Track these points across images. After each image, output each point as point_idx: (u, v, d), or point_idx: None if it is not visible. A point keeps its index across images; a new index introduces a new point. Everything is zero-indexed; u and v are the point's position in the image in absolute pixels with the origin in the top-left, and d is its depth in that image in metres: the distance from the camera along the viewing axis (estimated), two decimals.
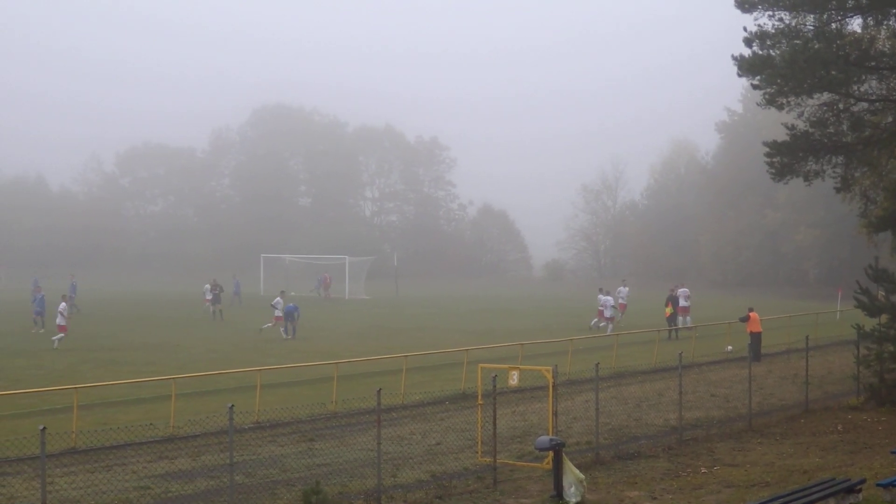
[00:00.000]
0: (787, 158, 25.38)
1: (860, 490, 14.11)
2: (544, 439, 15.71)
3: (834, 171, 26.15)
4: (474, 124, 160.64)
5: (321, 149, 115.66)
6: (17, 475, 16.30)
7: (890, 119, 25.60)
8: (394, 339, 38.95)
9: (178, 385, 21.26)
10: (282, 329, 40.11)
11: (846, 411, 23.65)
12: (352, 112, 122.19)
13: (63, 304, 37.04)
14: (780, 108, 25.02)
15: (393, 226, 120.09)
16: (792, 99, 24.69)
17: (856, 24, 25.32)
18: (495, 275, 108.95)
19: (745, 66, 24.25)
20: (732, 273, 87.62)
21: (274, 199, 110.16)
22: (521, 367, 19.92)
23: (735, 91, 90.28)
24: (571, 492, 15.09)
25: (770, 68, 23.64)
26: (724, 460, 18.34)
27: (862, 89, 25.51)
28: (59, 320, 36.41)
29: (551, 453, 15.60)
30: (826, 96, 25.64)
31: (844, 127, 25.35)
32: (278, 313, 39.95)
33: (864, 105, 25.84)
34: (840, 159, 25.75)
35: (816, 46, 22.87)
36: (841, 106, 25.46)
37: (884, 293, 24.78)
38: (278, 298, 41.15)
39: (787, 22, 24.24)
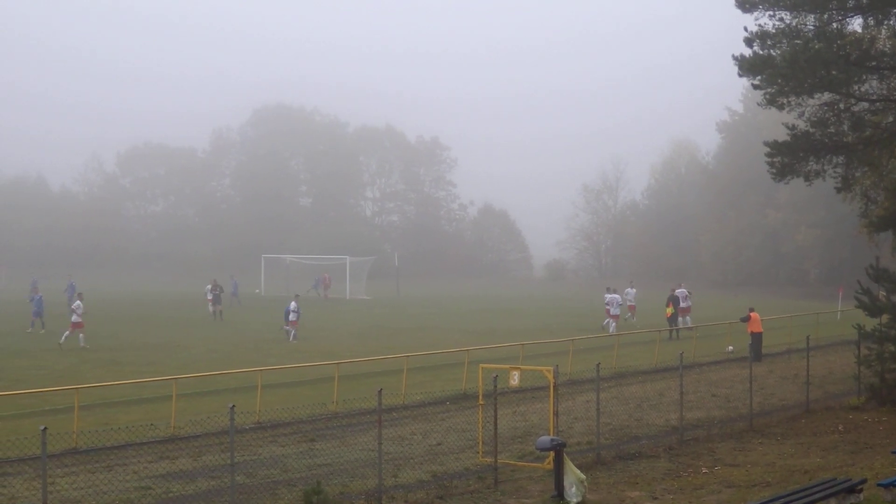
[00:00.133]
0: (788, 158, 25.39)
1: (861, 490, 14.11)
2: (545, 439, 15.71)
3: (835, 171, 26.16)
4: (475, 124, 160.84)
5: (322, 149, 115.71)
6: (18, 475, 16.30)
7: (890, 119, 25.60)
8: (395, 340, 38.95)
9: (179, 385, 21.26)
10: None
11: (847, 411, 23.64)
12: (352, 112, 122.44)
13: (78, 302, 36.98)
14: (781, 107, 25.02)
15: (394, 226, 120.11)
16: (793, 99, 24.70)
17: (856, 24, 25.35)
18: (496, 275, 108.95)
19: (746, 66, 24.25)
20: (733, 273, 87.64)
21: (274, 199, 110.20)
22: (521, 367, 19.92)
23: (736, 91, 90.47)
24: (572, 492, 15.09)
25: (771, 68, 23.64)
26: (725, 460, 18.34)
27: (862, 89, 25.51)
28: (74, 318, 36.38)
29: (552, 453, 15.60)
30: (827, 96, 25.64)
31: (845, 127, 25.36)
32: (293, 317, 39.95)
33: (865, 105, 25.85)
34: (841, 159, 25.75)
35: (817, 46, 22.86)
36: (842, 106, 25.46)
37: (885, 293, 24.76)
38: (294, 303, 41.13)
39: (788, 22, 24.25)
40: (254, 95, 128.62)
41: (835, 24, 24.56)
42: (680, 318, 43.21)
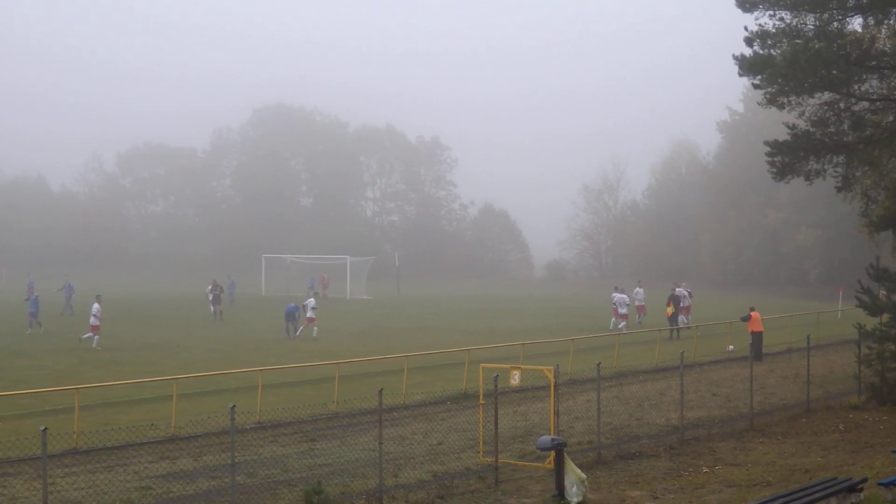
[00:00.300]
0: (789, 158, 25.39)
1: (861, 489, 14.11)
2: (546, 439, 15.70)
3: (835, 171, 26.16)
4: (475, 124, 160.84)
5: (322, 149, 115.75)
6: (19, 476, 16.30)
7: (891, 118, 25.60)
8: (395, 339, 38.96)
9: (179, 385, 21.27)
10: (303, 327, 40.24)
11: (847, 410, 23.64)
12: (352, 112, 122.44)
13: (96, 304, 36.96)
14: (781, 107, 25.02)
15: (394, 226, 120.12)
16: (793, 98, 24.70)
17: (856, 24, 25.38)
18: (496, 275, 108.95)
19: (746, 66, 24.25)
20: (733, 273, 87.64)
21: (275, 199, 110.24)
22: (522, 366, 19.92)
23: (736, 90, 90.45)
24: (573, 491, 15.09)
25: (771, 68, 23.64)
26: (725, 460, 18.34)
27: (863, 88, 25.52)
28: (93, 321, 36.38)
29: (553, 453, 15.59)
30: (827, 95, 25.64)
31: (845, 126, 25.37)
32: (311, 314, 40.01)
33: (865, 104, 25.86)
34: (841, 158, 25.76)
35: (817, 46, 22.86)
36: (842, 105, 25.47)
37: (885, 292, 24.77)
38: (311, 299, 41.13)
39: (788, 21, 24.26)
40: (254, 95, 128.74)
41: (835, 24, 24.57)
42: (680, 318, 43.23)
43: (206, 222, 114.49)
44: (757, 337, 32.99)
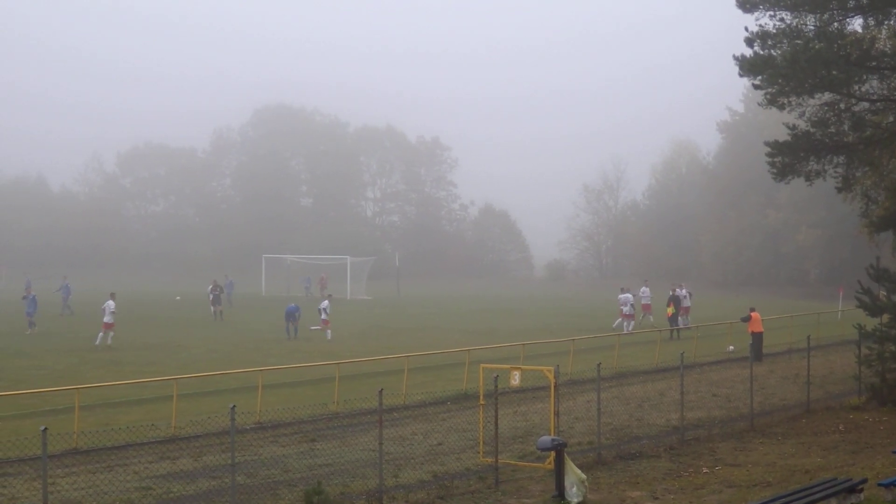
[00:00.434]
0: (789, 158, 25.39)
1: (862, 490, 14.11)
2: (546, 439, 15.70)
3: (835, 171, 26.17)
4: (475, 124, 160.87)
5: (322, 149, 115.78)
6: (19, 476, 16.31)
7: (891, 119, 25.61)
8: (395, 340, 38.96)
9: (179, 385, 21.27)
10: (316, 328, 40.25)
11: (848, 411, 23.64)
12: (353, 112, 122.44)
13: (110, 301, 36.97)
14: (782, 107, 25.03)
15: (394, 226, 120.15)
16: (793, 99, 24.70)
17: (857, 24, 25.37)
18: (497, 275, 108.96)
19: (747, 66, 24.25)
20: (734, 273, 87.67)
21: (275, 199, 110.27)
22: (522, 367, 19.91)
23: (736, 91, 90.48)
24: (573, 492, 15.09)
25: (771, 68, 23.63)
26: (725, 460, 18.34)
27: (863, 89, 25.52)
28: (108, 318, 36.41)
29: (553, 453, 15.59)
30: (827, 96, 25.64)
31: (846, 127, 25.37)
32: (325, 317, 39.99)
33: (866, 105, 25.86)
34: (841, 159, 25.77)
35: (817, 46, 22.86)
36: (842, 106, 25.47)
37: (885, 293, 24.76)
38: (326, 301, 41.09)
39: (789, 22, 24.26)
40: (254, 95, 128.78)
41: (835, 24, 24.57)
42: (680, 318, 43.24)
43: (206, 222, 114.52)
44: (757, 337, 32.99)
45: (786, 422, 22.45)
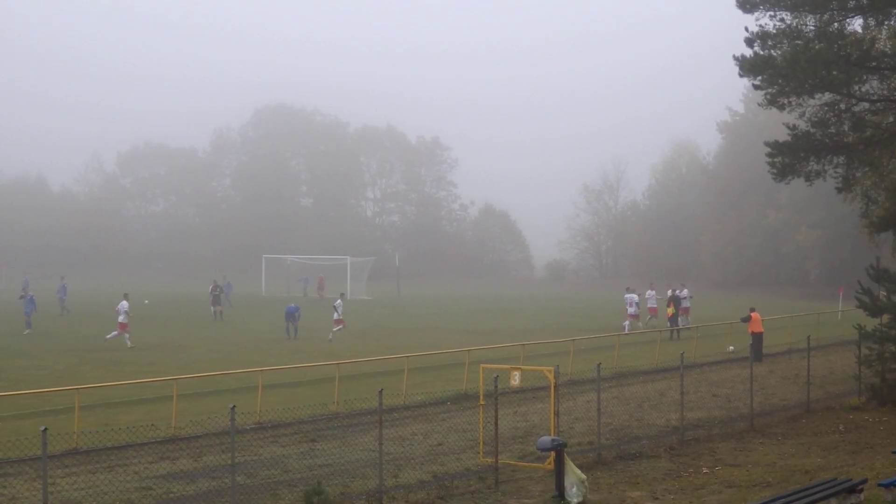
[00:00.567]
0: (789, 158, 25.39)
1: (862, 490, 14.11)
2: (546, 439, 15.70)
3: (835, 172, 26.17)
4: (475, 124, 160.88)
5: (322, 149, 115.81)
6: (19, 476, 16.30)
7: (891, 119, 25.61)
8: (395, 340, 38.96)
9: (179, 385, 21.27)
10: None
11: (848, 411, 23.64)
12: (353, 112, 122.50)
13: (124, 302, 37.00)
14: (782, 108, 25.03)
15: (394, 226, 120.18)
16: (793, 99, 24.70)
17: (857, 25, 25.37)
18: (497, 275, 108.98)
19: (747, 67, 24.25)
20: (734, 273, 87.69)
21: (275, 199, 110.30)
22: (522, 367, 19.91)
23: (736, 91, 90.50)
24: (573, 492, 15.09)
25: (771, 68, 23.64)
26: (725, 460, 18.34)
27: (863, 89, 25.52)
28: (122, 318, 36.44)
29: (553, 453, 15.59)
30: (827, 96, 25.64)
31: (846, 127, 25.37)
32: (338, 316, 39.93)
33: (866, 105, 25.86)
34: (841, 159, 25.77)
35: (818, 47, 22.87)
36: (842, 106, 25.47)
37: (885, 293, 24.76)
38: (339, 301, 41.03)
39: (789, 22, 24.26)
40: (254, 95, 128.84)
41: (835, 25, 24.57)
42: (680, 318, 43.25)
43: (206, 222, 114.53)
44: (757, 337, 32.98)
45: (786, 422, 22.45)
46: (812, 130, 25.24)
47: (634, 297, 43.86)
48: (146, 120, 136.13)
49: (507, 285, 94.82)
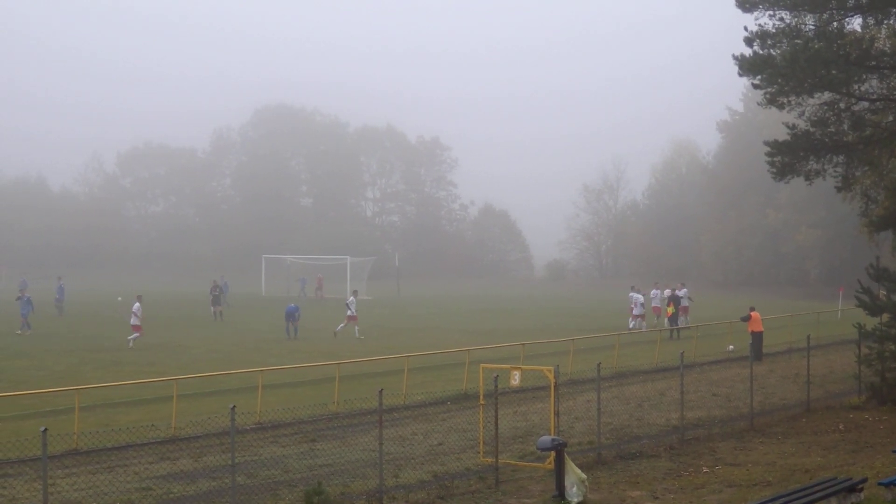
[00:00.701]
0: (788, 158, 25.39)
1: (862, 489, 14.11)
2: (546, 439, 15.70)
3: (835, 171, 26.17)
4: (475, 124, 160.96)
5: (322, 149, 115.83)
6: (19, 476, 16.30)
7: (891, 118, 25.61)
8: (395, 340, 38.96)
9: (179, 386, 21.27)
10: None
11: (848, 410, 23.64)
12: (353, 112, 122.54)
13: (137, 304, 37.02)
14: (781, 107, 25.02)
15: (394, 226, 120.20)
16: (793, 98, 24.70)
17: (856, 24, 25.38)
18: (496, 275, 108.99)
19: (746, 66, 24.25)
20: (734, 273, 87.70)
21: (275, 199, 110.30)
22: (522, 367, 19.92)
23: (736, 90, 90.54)
24: (573, 492, 15.09)
25: (771, 68, 23.64)
26: (725, 460, 18.34)
27: (863, 88, 25.52)
28: (134, 320, 36.49)
29: (553, 453, 15.59)
30: (827, 95, 25.64)
31: (845, 126, 25.37)
32: (351, 313, 39.85)
33: (865, 104, 25.86)
34: (841, 158, 25.77)
35: (817, 46, 22.87)
36: (842, 105, 25.47)
37: (885, 292, 24.77)
38: (352, 298, 40.91)
39: (788, 21, 24.26)
40: (254, 95, 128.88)
41: (835, 24, 24.57)
42: (681, 318, 43.26)
43: (206, 222, 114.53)
44: (757, 337, 32.99)
45: (786, 421, 22.45)
46: (811, 130, 25.24)
47: (640, 296, 43.85)
48: (146, 120, 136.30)
49: (507, 285, 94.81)
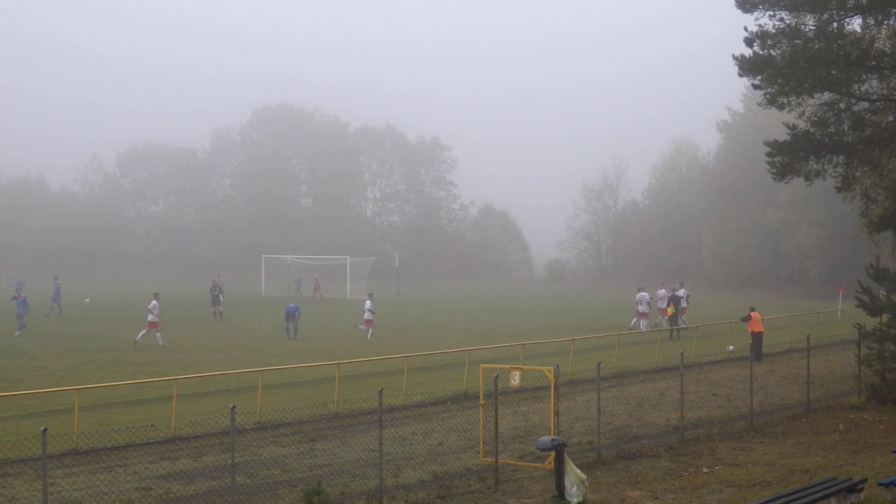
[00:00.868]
0: (789, 158, 25.40)
1: (861, 489, 14.12)
2: (546, 439, 15.71)
3: (835, 171, 26.18)
4: (475, 124, 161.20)
5: (322, 149, 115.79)
6: (19, 476, 16.31)
7: (890, 118, 25.62)
8: (395, 340, 38.95)
9: (179, 386, 21.27)
10: (359, 327, 40.15)
11: (847, 410, 23.65)
12: (353, 112, 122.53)
13: (154, 301, 37.05)
14: (781, 107, 25.04)
15: (394, 226, 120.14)
16: (793, 98, 24.71)
17: (856, 24, 25.40)
18: (497, 275, 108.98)
19: (746, 66, 24.26)
20: (734, 272, 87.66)
21: (275, 199, 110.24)
22: (522, 367, 19.93)
23: (736, 91, 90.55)
24: (573, 492, 15.09)
25: (771, 68, 23.65)
26: (725, 460, 18.34)
27: (862, 89, 25.53)
28: (151, 318, 36.54)
29: (553, 453, 15.59)
30: (827, 96, 25.65)
31: (845, 126, 25.38)
32: (368, 315, 39.77)
33: (865, 104, 25.87)
34: (841, 159, 25.78)
35: (817, 46, 22.87)
36: (842, 105, 25.48)
37: (885, 292, 24.77)
38: (368, 301, 40.78)
39: (788, 22, 24.29)
40: (254, 95, 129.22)
41: (834, 24, 24.59)
42: (680, 318, 43.26)
43: (206, 222, 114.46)
44: (757, 337, 33.00)
45: (785, 421, 22.45)
46: (811, 130, 25.25)
47: (646, 295, 43.85)
48: (146, 120, 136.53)
49: (507, 285, 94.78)
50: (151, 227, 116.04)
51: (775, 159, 25.49)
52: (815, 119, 25.37)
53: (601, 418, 18.65)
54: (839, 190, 27.24)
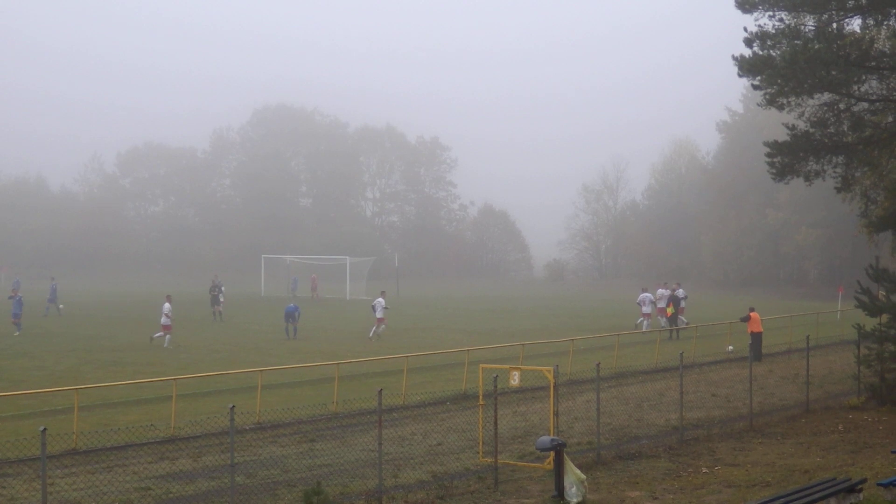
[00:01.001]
0: (788, 158, 25.40)
1: (861, 490, 14.11)
2: (545, 439, 15.70)
3: (834, 171, 26.18)
4: (475, 124, 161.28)
5: (322, 149, 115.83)
6: (18, 476, 16.31)
7: (890, 119, 25.63)
8: (395, 340, 38.93)
9: (179, 386, 21.26)
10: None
11: (847, 411, 23.65)
12: (353, 112, 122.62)
13: (167, 304, 37.03)
14: (781, 108, 25.04)
15: (394, 226, 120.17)
16: (792, 99, 24.71)
17: (856, 25, 25.40)
18: (496, 275, 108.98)
19: (746, 67, 24.26)
20: (734, 273, 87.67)
21: (275, 199, 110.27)
22: (522, 367, 19.92)
23: (736, 91, 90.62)
24: (573, 492, 15.09)
25: (770, 68, 23.65)
26: (725, 460, 18.34)
27: (862, 89, 25.53)
28: (164, 320, 36.52)
29: (552, 453, 15.59)
30: (826, 96, 25.66)
31: (845, 127, 25.38)
32: (379, 314, 39.65)
33: (865, 105, 25.87)
34: (841, 159, 25.77)
35: (817, 47, 22.87)
36: (841, 106, 25.48)
37: (884, 293, 24.76)
38: (380, 299, 40.61)
39: (788, 22, 24.28)
40: (254, 95, 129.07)
41: (834, 25, 24.59)
42: (680, 318, 43.27)
43: (206, 222, 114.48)
44: (756, 337, 32.99)
45: (785, 422, 22.45)
46: (811, 130, 25.25)
47: (649, 296, 43.91)
48: (146, 120, 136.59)
49: (507, 285, 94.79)
50: (151, 227, 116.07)
51: (775, 160, 25.49)
52: (815, 119, 25.38)
53: (600, 418, 18.65)
54: (839, 190, 27.24)
